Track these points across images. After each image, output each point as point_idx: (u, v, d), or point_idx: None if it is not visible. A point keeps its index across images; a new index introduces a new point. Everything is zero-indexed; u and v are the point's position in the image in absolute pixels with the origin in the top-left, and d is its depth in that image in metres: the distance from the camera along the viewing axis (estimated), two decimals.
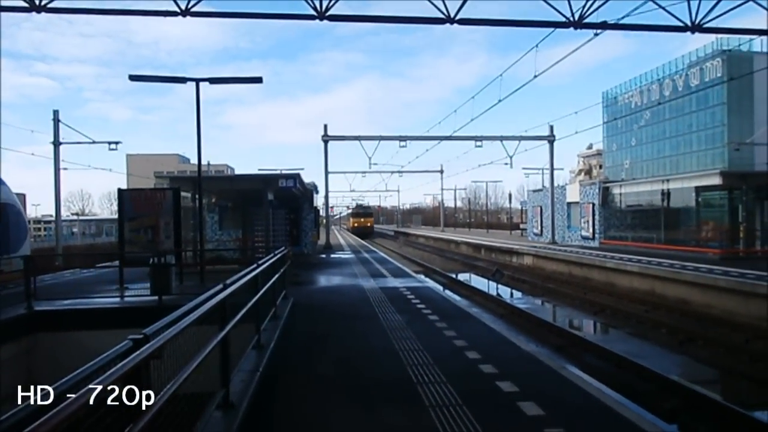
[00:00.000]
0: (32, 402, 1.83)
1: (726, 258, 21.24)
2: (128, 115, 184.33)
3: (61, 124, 27.94)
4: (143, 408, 2.61)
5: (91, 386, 2.04)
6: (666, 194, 27.93)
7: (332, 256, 27.48)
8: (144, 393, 2.59)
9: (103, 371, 2.24)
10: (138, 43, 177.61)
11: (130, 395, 2.50)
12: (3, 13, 13.28)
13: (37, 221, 78.86)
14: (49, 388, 1.94)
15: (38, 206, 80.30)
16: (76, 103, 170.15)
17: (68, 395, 1.93)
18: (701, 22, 13.96)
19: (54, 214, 30.97)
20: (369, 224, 71.95)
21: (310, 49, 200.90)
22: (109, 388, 2.16)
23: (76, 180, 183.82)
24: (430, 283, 17.27)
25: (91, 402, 1.99)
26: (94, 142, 29.77)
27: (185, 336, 3.48)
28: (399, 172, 51.34)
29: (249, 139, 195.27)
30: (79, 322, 9.95)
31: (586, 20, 13.83)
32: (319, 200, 35.13)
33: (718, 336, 12.82)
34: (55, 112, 27.83)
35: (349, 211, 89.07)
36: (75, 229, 73.74)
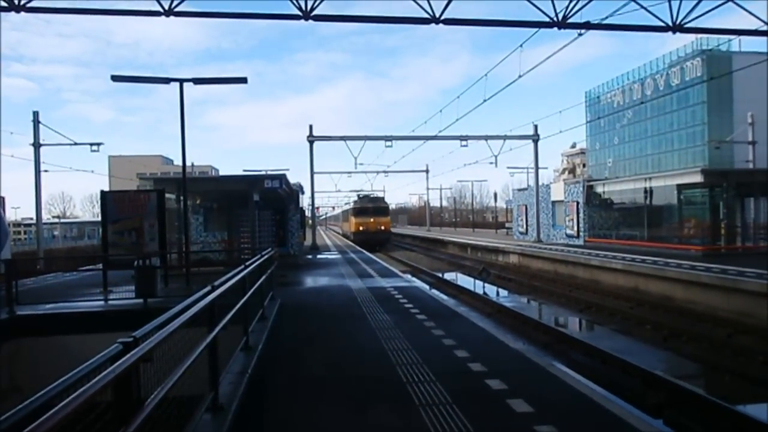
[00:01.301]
0: (24, 407, 1.80)
1: (708, 255, 21.55)
2: (109, 116, 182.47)
3: (41, 126, 27.57)
4: (134, 412, 2.58)
5: (81, 390, 2.01)
6: (648, 192, 28.28)
7: (319, 256, 27.41)
8: (135, 396, 2.56)
9: (94, 375, 2.21)
10: (118, 44, 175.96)
11: (121, 399, 2.48)
12: None
13: (17, 224, 77.61)
14: (41, 393, 1.92)
15: (18, 209, 79.16)
16: (56, 104, 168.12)
17: (59, 400, 1.91)
18: (682, 22, 14.16)
19: (34, 216, 30.51)
20: (384, 227, 44.77)
21: (293, 50, 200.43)
22: (100, 392, 2.14)
23: (57, 182, 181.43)
24: (418, 283, 17.30)
25: (83, 406, 1.97)
26: (75, 144, 29.45)
27: (174, 338, 3.45)
28: (385, 172, 51.29)
29: (233, 140, 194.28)
30: (63, 326, 9.81)
31: (570, 20, 13.96)
32: (305, 201, 35.01)
33: (701, 331, 13.02)
34: (35, 114, 27.48)
35: (347, 206, 58.30)
36: (56, 232, 72.78)
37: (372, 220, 43.31)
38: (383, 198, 51.63)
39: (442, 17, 13.44)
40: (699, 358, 11.58)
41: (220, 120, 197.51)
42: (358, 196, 49.63)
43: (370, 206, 44.90)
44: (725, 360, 11.10)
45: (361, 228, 43.36)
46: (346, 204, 66.15)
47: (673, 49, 43.08)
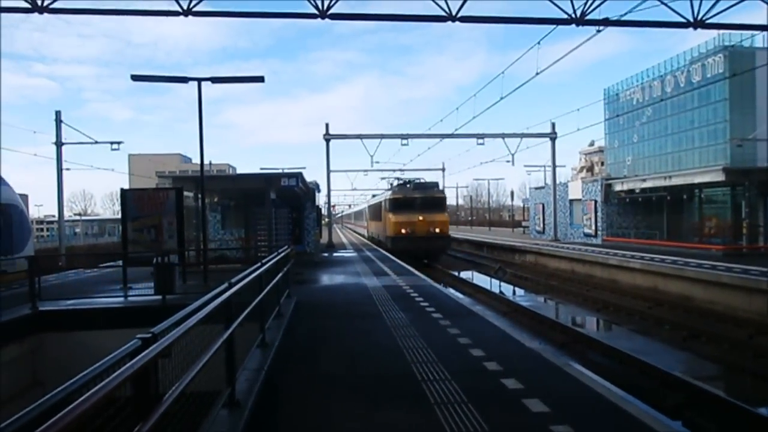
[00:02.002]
0: (45, 401, 1.84)
1: (729, 254, 21.22)
2: (129, 115, 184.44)
3: (62, 125, 28.01)
4: (152, 407, 2.62)
5: (101, 385, 2.05)
6: (668, 191, 27.89)
7: (335, 254, 27.49)
8: (153, 392, 2.60)
9: (113, 370, 2.24)
10: (136, 44, 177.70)
11: (140, 394, 2.52)
12: (3, 14, 13.30)
13: (40, 222, 79.07)
14: (62, 387, 1.96)
15: (41, 207, 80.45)
16: (77, 103, 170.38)
17: (79, 395, 1.94)
18: (703, 18, 13.93)
19: (57, 214, 31.04)
20: (440, 229, 29.27)
21: (308, 48, 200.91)
22: (119, 386, 2.17)
23: (79, 180, 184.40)
24: (433, 281, 17.27)
25: (102, 401, 2.00)
26: (96, 143, 29.84)
27: (192, 335, 3.49)
28: (401, 170, 51.09)
29: (250, 139, 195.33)
30: (84, 322, 9.98)
31: (588, 17, 13.80)
32: (321, 199, 35.14)
33: (721, 332, 12.82)
34: (57, 113, 27.91)
35: (377, 197, 40.07)
36: (77, 230, 73.98)
37: (421, 218, 28.27)
38: (437, 185, 32.42)
39: (459, 15, 13.37)
40: (719, 359, 11.41)
41: (237, 118, 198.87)
42: (397, 180, 34.05)
43: (417, 196, 29.28)
44: (746, 361, 10.92)
45: (403, 230, 28.35)
46: (373, 196, 46.97)
47: (694, 45, 42.25)
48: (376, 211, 37.16)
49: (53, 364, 9.44)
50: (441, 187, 33.58)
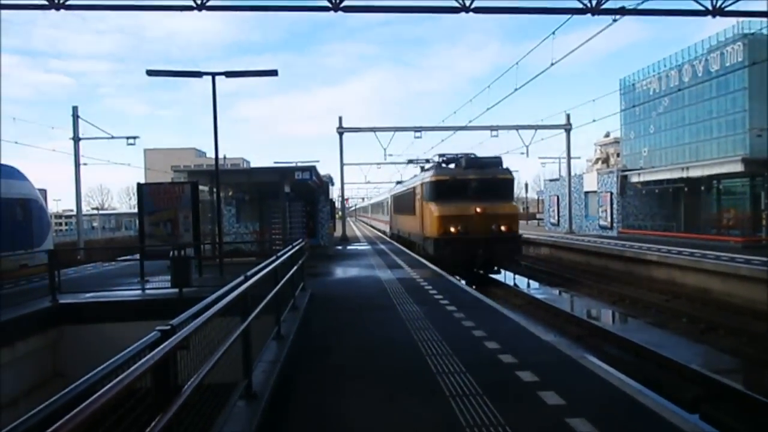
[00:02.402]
0: (69, 391, 1.88)
1: (748, 246, 20.92)
2: (144, 110, 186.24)
3: (80, 120, 28.35)
4: (172, 398, 2.66)
5: (123, 376, 2.09)
6: (686, 182, 27.52)
7: (348, 248, 27.58)
8: (172, 383, 2.64)
9: (134, 361, 2.28)
10: (150, 39, 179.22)
11: (160, 385, 2.56)
12: (20, 11, 13.46)
13: (59, 216, 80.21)
14: (84, 379, 1.99)
15: (59, 201, 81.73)
16: (93, 98, 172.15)
17: (101, 386, 1.98)
18: (722, 6, 13.68)
19: (75, 208, 31.48)
20: (506, 225, 19.60)
21: (321, 41, 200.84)
22: (139, 378, 2.21)
23: (96, 175, 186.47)
24: (447, 274, 17.25)
25: (123, 392, 2.04)
26: (112, 137, 30.17)
27: (209, 327, 3.53)
28: (414, 162, 51.15)
29: (263, 132, 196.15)
30: (103, 314, 10.14)
31: (604, 6, 13.63)
32: (334, 192, 35.21)
33: (739, 325, 12.67)
34: (74, 108, 28.27)
35: (409, 182, 28.46)
36: (95, 224, 74.89)
37: (479, 209, 19.51)
38: (500, 161, 22.06)
39: (473, 6, 13.28)
40: (737, 352, 11.29)
41: (251, 112, 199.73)
42: (440, 157, 24.09)
43: (473, 178, 20.39)
44: (765, 354, 10.78)
45: (452, 228, 19.53)
46: (399, 183, 35.89)
47: (712, 33, 41.53)
48: (405, 201, 26.81)
49: (73, 356, 9.62)
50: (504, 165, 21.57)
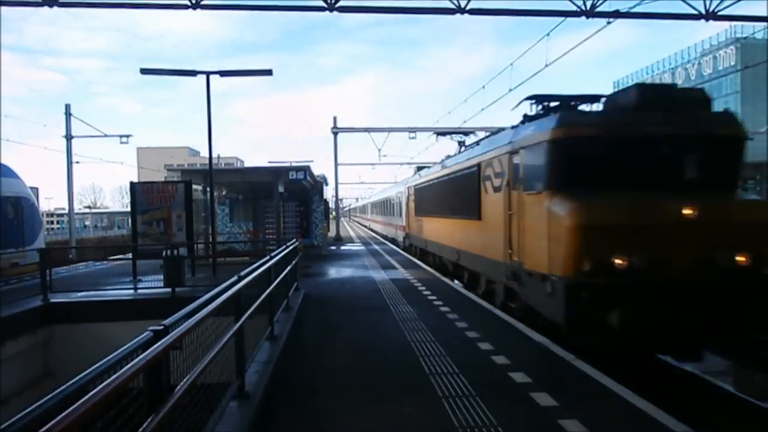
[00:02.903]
0: (61, 391, 1.86)
1: None
2: (137, 108, 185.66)
3: (72, 118, 28.19)
4: (164, 398, 2.65)
5: (115, 376, 2.08)
6: None
7: (342, 248, 27.55)
8: (165, 383, 2.63)
9: (126, 362, 2.27)
10: (144, 37, 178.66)
11: (152, 385, 2.55)
12: (12, 7, 13.39)
13: (50, 214, 79.75)
14: (76, 379, 1.98)
15: (51, 199, 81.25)
16: (86, 96, 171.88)
17: (93, 386, 1.97)
18: (716, 10, 13.79)
19: (67, 207, 31.29)
20: (745, 250, 7.02)
21: (316, 41, 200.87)
22: (131, 378, 2.20)
23: (88, 173, 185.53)
24: (441, 275, 17.26)
25: (115, 392, 2.03)
26: (105, 136, 30.05)
27: (203, 327, 3.52)
28: (409, 163, 51.20)
29: (258, 132, 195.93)
30: (95, 313, 10.10)
31: (598, 9, 13.70)
32: (328, 192, 35.17)
33: None
34: (67, 106, 28.13)
35: (481, 147, 11.76)
36: (87, 222, 74.55)
37: (687, 210, 7.12)
38: (708, 100, 8.03)
39: (467, 7, 13.32)
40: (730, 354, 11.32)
41: (245, 112, 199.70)
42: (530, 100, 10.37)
43: (665, 134, 7.60)
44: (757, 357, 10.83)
45: (618, 261, 7.01)
46: (419, 169, 23.77)
47: (705, 37, 41.90)
48: (453, 193, 14.35)
49: (65, 356, 9.56)
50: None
